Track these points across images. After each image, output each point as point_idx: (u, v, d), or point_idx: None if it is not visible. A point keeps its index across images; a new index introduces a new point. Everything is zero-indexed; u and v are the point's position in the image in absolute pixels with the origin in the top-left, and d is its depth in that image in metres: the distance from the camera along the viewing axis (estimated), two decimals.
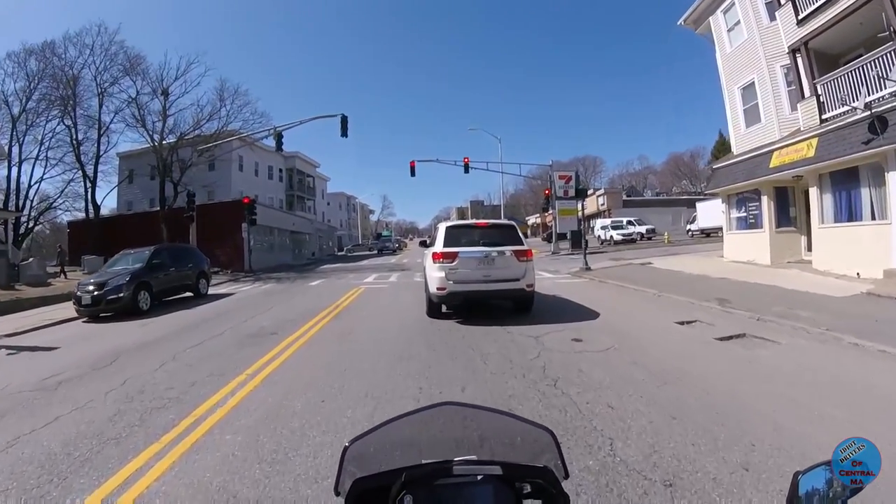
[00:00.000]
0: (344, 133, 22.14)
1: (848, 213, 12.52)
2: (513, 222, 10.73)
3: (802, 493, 0.87)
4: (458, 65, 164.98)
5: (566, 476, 0.94)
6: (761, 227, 15.54)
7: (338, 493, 0.91)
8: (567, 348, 6.27)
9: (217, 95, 29.08)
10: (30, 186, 31.73)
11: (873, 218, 11.53)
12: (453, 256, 8.38)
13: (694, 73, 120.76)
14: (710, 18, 17.42)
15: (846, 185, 12.52)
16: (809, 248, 14.83)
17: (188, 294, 15.27)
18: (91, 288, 12.07)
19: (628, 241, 34.39)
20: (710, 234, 36.55)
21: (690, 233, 40.07)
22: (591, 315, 8.79)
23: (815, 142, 12.93)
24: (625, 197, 52.58)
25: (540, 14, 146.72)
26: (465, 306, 8.93)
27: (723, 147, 62.80)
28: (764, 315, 8.08)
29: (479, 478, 0.84)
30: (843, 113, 12.21)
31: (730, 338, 6.88)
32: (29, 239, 35.49)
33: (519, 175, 41.44)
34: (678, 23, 19.04)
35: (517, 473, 0.88)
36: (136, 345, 7.84)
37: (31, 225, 33.52)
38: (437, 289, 8.36)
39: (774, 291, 10.38)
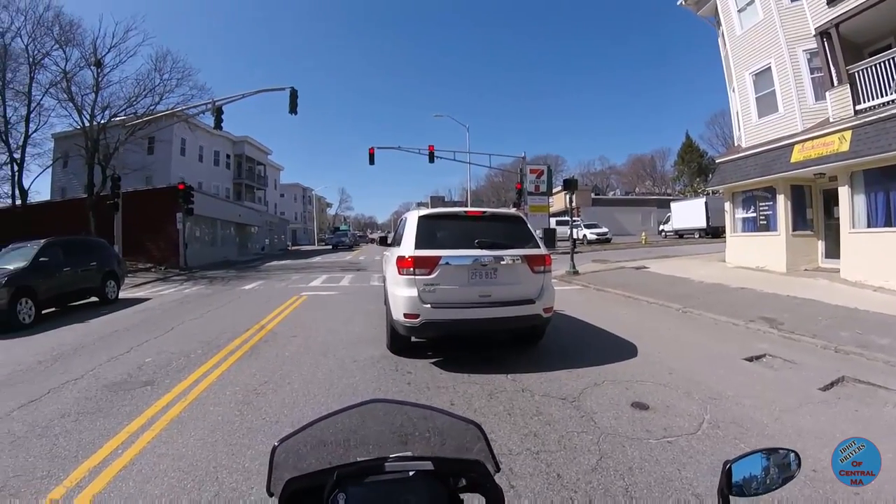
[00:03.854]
0: (293, 109, 18.88)
1: (885, 216, 11.01)
2: (520, 213, 8.01)
3: (736, 481, 0.93)
4: (423, 56, 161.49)
5: (497, 469, 0.92)
6: (775, 230, 13.92)
7: (271, 494, 0.88)
8: (636, 429, 3.77)
9: (154, 66, 24.90)
10: None
11: None
12: (431, 264, 5.47)
13: (658, 76, 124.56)
14: None
15: (885, 184, 10.98)
16: (827, 255, 13.42)
17: (94, 299, 12.03)
18: None
19: (603, 240, 32.95)
20: (684, 236, 35.94)
21: (664, 233, 39.41)
22: (624, 348, 6.33)
23: (848, 135, 11.35)
24: (593, 196, 51.64)
25: (508, 10, 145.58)
26: (447, 337, 6.15)
27: (690, 149, 63.62)
28: (842, 345, 6.36)
29: (411, 473, 0.84)
30: (888, 103, 10.66)
31: (831, 385, 4.91)
32: None
33: (488, 167, 39.23)
34: (678, 3, 17.28)
35: (449, 468, 0.88)
36: None
37: None
38: (406, 315, 5.45)
39: (821, 308, 8.68)
